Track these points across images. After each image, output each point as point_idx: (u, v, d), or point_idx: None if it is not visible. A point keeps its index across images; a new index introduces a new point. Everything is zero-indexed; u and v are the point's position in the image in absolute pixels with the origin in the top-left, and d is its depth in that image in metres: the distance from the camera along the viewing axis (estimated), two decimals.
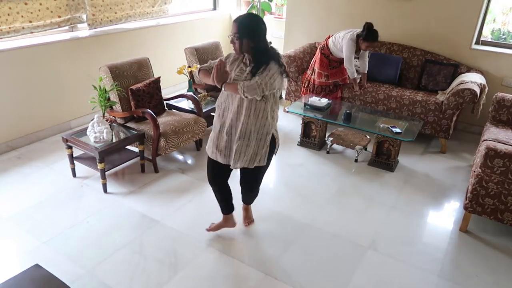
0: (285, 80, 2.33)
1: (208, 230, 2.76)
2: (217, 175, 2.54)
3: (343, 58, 4.16)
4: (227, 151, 2.38)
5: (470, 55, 4.41)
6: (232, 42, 2.19)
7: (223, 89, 2.23)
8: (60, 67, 4.02)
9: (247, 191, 2.68)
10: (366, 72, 4.40)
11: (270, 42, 2.28)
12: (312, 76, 4.46)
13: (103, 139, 3.15)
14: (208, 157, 2.51)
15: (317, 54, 4.40)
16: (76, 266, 2.44)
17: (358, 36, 3.99)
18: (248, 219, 2.87)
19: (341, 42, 4.10)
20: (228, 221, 2.73)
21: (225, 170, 2.50)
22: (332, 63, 4.32)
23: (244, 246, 2.68)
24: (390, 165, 3.70)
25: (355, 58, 4.21)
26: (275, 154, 2.50)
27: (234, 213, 2.73)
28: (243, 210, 2.86)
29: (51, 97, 4.01)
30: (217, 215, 2.88)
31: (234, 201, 2.70)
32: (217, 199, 2.65)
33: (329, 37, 4.29)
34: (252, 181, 2.58)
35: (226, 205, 2.67)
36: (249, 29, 2.15)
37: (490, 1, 4.31)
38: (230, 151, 2.38)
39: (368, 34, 3.91)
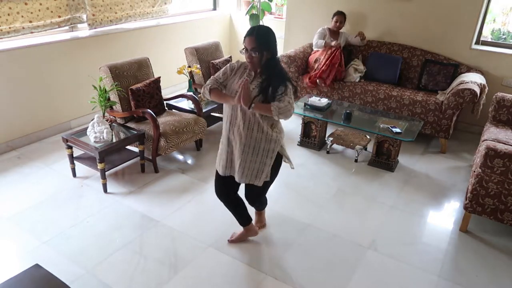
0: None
1: (230, 241, 2.70)
2: (223, 188, 2.50)
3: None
4: (230, 163, 2.37)
5: (470, 55, 4.41)
6: (250, 56, 2.11)
7: (250, 110, 2.11)
8: (60, 67, 4.02)
9: (251, 204, 2.67)
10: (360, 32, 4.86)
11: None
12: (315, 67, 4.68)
13: (103, 139, 3.15)
14: (216, 170, 2.49)
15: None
16: (76, 266, 2.44)
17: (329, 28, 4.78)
18: (260, 222, 2.83)
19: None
20: (249, 231, 2.67)
21: (232, 183, 2.45)
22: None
23: (244, 246, 2.68)
24: (390, 165, 3.70)
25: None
26: (292, 168, 2.50)
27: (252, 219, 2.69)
28: (256, 214, 2.82)
29: (51, 97, 4.01)
30: (218, 216, 2.88)
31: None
32: (230, 212, 2.60)
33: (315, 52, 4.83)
34: (255, 196, 2.56)
35: (241, 218, 2.61)
36: (267, 40, 2.10)
37: (490, 1, 4.31)
38: (233, 163, 2.36)
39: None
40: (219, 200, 2.56)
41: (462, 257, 2.68)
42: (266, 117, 2.21)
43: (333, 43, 4.59)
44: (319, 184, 3.45)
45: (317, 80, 4.51)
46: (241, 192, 2.61)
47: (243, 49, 2.13)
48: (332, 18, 4.71)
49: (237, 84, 2.21)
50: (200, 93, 4.21)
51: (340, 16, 4.68)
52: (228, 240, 2.70)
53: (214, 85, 2.25)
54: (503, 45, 4.44)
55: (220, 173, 2.42)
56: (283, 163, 2.47)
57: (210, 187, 3.27)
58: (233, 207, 2.56)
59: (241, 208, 2.58)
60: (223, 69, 2.31)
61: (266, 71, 2.15)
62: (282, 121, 2.33)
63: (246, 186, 2.50)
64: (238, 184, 2.48)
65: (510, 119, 3.56)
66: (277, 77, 2.14)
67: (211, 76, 2.32)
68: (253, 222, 2.81)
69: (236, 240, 2.69)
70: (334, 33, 4.74)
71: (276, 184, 3.44)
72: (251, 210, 2.85)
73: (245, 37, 2.12)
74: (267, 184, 2.46)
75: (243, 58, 2.23)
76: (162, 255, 2.57)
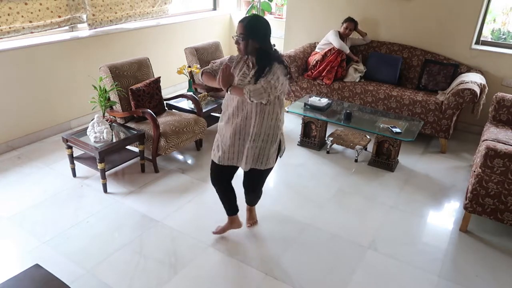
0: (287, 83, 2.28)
1: (214, 233, 2.74)
2: (221, 176, 2.53)
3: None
4: (236, 154, 2.38)
5: (470, 55, 4.41)
6: (237, 42, 2.18)
7: (228, 92, 2.17)
8: (60, 67, 4.02)
9: (251, 192, 2.67)
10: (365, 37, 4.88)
11: (274, 45, 2.27)
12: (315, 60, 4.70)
13: (103, 139, 3.15)
14: (212, 159, 2.50)
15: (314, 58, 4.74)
16: (76, 266, 2.44)
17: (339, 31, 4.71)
18: (252, 220, 2.87)
19: (326, 38, 4.71)
20: (233, 222, 2.71)
21: (229, 171, 2.50)
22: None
23: (244, 246, 2.68)
24: (390, 165, 3.70)
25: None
26: (280, 157, 2.50)
27: (238, 214, 2.71)
28: (247, 211, 2.86)
29: (51, 97, 4.01)
30: (217, 216, 2.88)
31: (238, 202, 2.69)
32: (221, 200, 2.63)
33: (315, 53, 4.82)
34: (256, 183, 2.59)
35: (231, 206, 2.65)
36: (255, 29, 2.14)
37: (490, 1, 4.31)
38: (240, 154, 2.37)
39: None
40: (213, 186, 2.58)
41: (462, 257, 2.68)
42: (266, 106, 2.23)
43: (355, 58, 4.69)
44: (319, 184, 3.45)
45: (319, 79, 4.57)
46: (237, 185, 2.62)
47: (235, 35, 2.19)
48: (342, 24, 4.68)
49: (237, 76, 2.27)
50: (200, 93, 4.23)
51: (351, 24, 4.65)
52: (213, 232, 2.74)
53: (207, 70, 2.37)
54: (503, 45, 4.44)
55: (224, 163, 2.42)
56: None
57: (210, 187, 3.26)
58: (225, 194, 2.60)
59: (233, 196, 2.62)
60: (222, 58, 2.36)
61: (258, 61, 2.19)
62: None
63: (246, 174, 2.51)
64: (234, 172, 2.52)
65: (510, 119, 3.56)
66: (267, 64, 2.17)
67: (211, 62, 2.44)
68: (245, 219, 2.86)
69: (221, 231, 2.73)
70: (341, 38, 4.68)
71: (276, 184, 3.46)
72: (243, 209, 2.86)
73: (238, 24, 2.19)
74: (268, 171, 2.48)
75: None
76: (162, 255, 2.57)
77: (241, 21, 2.16)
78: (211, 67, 2.39)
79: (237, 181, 2.60)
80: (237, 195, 2.65)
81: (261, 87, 2.09)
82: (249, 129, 2.29)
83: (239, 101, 2.27)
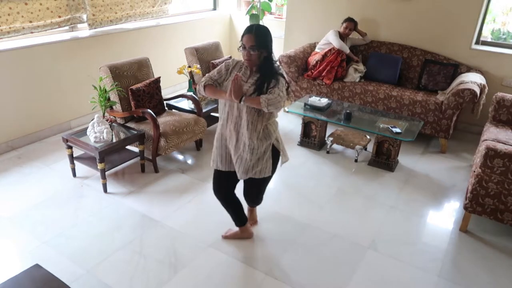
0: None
1: (224, 236, 2.73)
2: (222, 186, 2.51)
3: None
4: (229, 160, 2.38)
5: (470, 55, 4.41)
6: (248, 54, 2.13)
7: (241, 103, 2.14)
8: (60, 67, 4.02)
9: (250, 201, 2.68)
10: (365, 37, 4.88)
11: None
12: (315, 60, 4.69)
13: (103, 139, 3.15)
14: (214, 169, 2.49)
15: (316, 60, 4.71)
16: (76, 266, 2.44)
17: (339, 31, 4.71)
18: (252, 220, 2.86)
19: (326, 38, 4.72)
20: (244, 232, 2.70)
21: (230, 181, 2.48)
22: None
23: (244, 246, 2.68)
24: (390, 165, 3.70)
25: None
26: (280, 166, 2.48)
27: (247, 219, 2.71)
28: (248, 211, 2.85)
29: (51, 97, 4.01)
30: (217, 216, 2.88)
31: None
32: (227, 211, 2.61)
33: (315, 53, 4.82)
34: (255, 192, 2.58)
35: (238, 217, 2.63)
36: (265, 39, 2.14)
37: (490, 1, 4.31)
38: (231, 160, 2.38)
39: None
40: (217, 199, 2.56)
41: (462, 257, 2.68)
42: (259, 115, 2.22)
43: (355, 58, 4.68)
44: (319, 184, 3.45)
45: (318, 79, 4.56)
46: (239, 193, 2.62)
47: (241, 46, 2.16)
48: (342, 24, 4.69)
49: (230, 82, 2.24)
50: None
51: (351, 23, 4.66)
52: (222, 236, 2.73)
53: (208, 82, 2.29)
54: (503, 45, 4.44)
55: (221, 169, 2.43)
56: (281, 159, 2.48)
57: (210, 187, 3.25)
58: (230, 205, 2.58)
59: (238, 207, 2.60)
60: (218, 67, 2.34)
61: (262, 69, 2.19)
62: (280, 120, 2.33)
63: (245, 183, 2.50)
64: (236, 182, 2.50)
65: (510, 119, 3.56)
66: (271, 73, 2.18)
67: (207, 74, 2.37)
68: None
69: (230, 237, 2.72)
70: (341, 38, 4.68)
71: (276, 184, 3.46)
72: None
73: (243, 35, 2.14)
74: (266, 180, 2.47)
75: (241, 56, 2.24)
76: (162, 255, 2.57)
77: (249, 32, 2.11)
78: (210, 78, 2.30)
79: (239, 186, 2.59)
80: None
81: (278, 95, 2.09)
82: (238, 136, 2.28)
83: (230, 107, 2.26)
